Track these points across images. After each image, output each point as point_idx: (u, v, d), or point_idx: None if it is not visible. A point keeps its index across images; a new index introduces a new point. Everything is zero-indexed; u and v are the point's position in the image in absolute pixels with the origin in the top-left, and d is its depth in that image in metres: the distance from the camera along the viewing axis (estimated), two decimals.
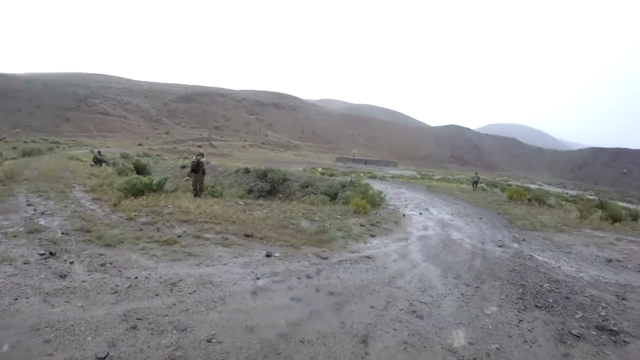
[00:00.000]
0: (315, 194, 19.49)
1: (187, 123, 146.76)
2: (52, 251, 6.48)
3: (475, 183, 33.34)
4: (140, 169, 28.19)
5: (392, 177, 41.35)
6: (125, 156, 44.50)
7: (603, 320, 5.99)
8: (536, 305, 6.48)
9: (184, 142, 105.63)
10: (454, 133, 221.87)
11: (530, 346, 5.02)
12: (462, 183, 41.37)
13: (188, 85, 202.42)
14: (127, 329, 4.32)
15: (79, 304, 4.80)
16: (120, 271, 5.96)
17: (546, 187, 67.79)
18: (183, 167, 35.19)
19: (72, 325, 4.29)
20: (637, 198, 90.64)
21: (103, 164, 28.70)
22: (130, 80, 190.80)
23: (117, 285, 5.43)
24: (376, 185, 23.94)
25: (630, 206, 35.02)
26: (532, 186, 41.93)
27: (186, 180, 17.62)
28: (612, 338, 5.40)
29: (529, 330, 5.49)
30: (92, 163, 27.95)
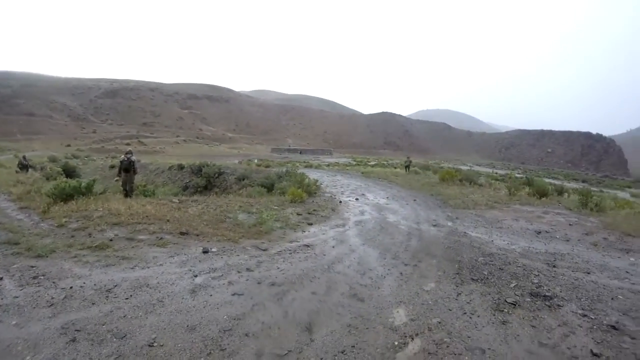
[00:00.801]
0: (252, 186, 19.33)
1: (113, 120, 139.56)
2: None
3: (407, 166, 34.24)
4: (69, 172, 27.03)
5: (328, 165, 41.59)
6: (53, 159, 42.43)
7: (536, 287, 6.32)
8: (472, 279, 6.73)
9: (112, 140, 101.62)
10: (387, 120, 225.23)
11: (470, 317, 5.22)
12: (395, 168, 42.14)
13: (114, 80, 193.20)
14: (66, 343, 4.16)
15: (14, 322, 4.56)
16: (54, 282, 5.68)
17: (476, 168, 70.27)
18: (112, 167, 34.01)
19: (8, 346, 4.08)
20: (561, 174, 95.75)
21: (29, 170, 27.35)
22: (56, 77, 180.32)
23: (52, 298, 5.19)
24: (312, 174, 24.01)
25: (556, 182, 36.96)
26: (463, 167, 43.49)
27: (116, 180, 17.02)
28: (547, 303, 5.72)
29: (467, 302, 5.70)
30: (18, 169, 26.57)
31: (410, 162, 36.02)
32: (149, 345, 4.17)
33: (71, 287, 5.52)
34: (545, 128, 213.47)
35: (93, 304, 5.08)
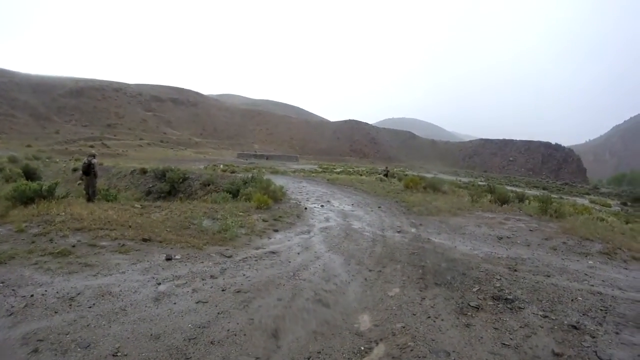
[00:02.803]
0: (217, 192, 19.18)
1: (77, 121, 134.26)
2: None
3: (386, 175, 35.50)
4: (30, 174, 26.24)
5: (294, 172, 41.42)
6: (13, 160, 40.94)
7: (498, 291, 6.50)
8: (436, 283, 6.86)
9: (75, 141, 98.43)
10: (353, 127, 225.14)
11: (434, 321, 5.33)
12: (361, 175, 42.38)
13: (79, 79, 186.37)
14: (28, 353, 4.05)
15: None
16: (14, 290, 5.51)
17: (440, 176, 71.17)
18: (75, 169, 33.25)
19: None
20: (522, 182, 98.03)
21: None
22: (17, 73, 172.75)
23: (12, 306, 5.03)
24: (278, 180, 23.92)
25: (517, 189, 37.77)
26: (427, 175, 44.04)
27: (79, 184, 16.69)
28: (508, 306, 5.90)
29: (431, 306, 5.82)
30: None
31: (388, 171, 37.42)
32: (113, 355, 4.10)
33: (32, 295, 5.36)
34: (507, 137, 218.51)
35: (55, 312, 4.95)
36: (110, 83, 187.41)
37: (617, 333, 5.09)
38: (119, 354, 4.14)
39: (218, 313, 5.26)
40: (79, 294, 5.52)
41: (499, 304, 5.97)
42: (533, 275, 7.51)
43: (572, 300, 6.20)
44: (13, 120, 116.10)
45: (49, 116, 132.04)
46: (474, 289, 6.58)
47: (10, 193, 11.34)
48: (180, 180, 25.38)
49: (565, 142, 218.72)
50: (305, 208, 14.91)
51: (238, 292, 6.05)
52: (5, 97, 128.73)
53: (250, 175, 22.57)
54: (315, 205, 16.09)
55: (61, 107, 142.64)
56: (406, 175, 43.33)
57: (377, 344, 4.68)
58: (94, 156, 14.87)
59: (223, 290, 6.09)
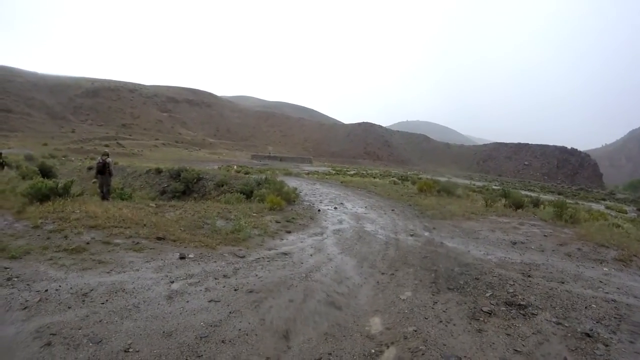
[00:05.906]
0: (231, 193, 19.22)
1: (93, 120, 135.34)
2: None
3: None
4: (45, 172, 26.50)
5: (308, 174, 41.40)
6: (29, 158, 41.30)
7: (511, 297, 6.44)
8: (448, 288, 6.82)
9: (91, 141, 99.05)
10: (366, 130, 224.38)
11: (446, 325, 5.29)
12: (375, 178, 42.31)
13: (96, 79, 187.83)
14: (41, 347, 4.08)
15: None
16: (28, 285, 5.55)
17: (454, 179, 70.90)
18: (90, 168, 33.55)
19: None
20: (537, 187, 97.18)
21: (5, 167, 26.79)
22: (35, 73, 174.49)
23: (26, 300, 5.07)
24: (291, 182, 23.94)
25: (532, 194, 37.42)
26: (441, 179, 43.84)
27: (94, 182, 16.83)
28: (521, 312, 5.85)
29: (443, 311, 5.78)
30: None
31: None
32: (125, 351, 4.12)
33: (46, 290, 5.41)
34: (522, 142, 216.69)
35: (69, 307, 4.99)
36: (126, 84, 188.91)
37: (631, 342, 5.02)
38: (130, 349, 4.16)
39: (230, 312, 5.27)
40: (92, 290, 5.56)
41: (511, 309, 5.92)
42: (547, 281, 7.44)
43: (586, 307, 6.13)
44: (29, 119, 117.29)
45: (65, 116, 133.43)
46: (487, 294, 6.53)
47: (26, 190, 11.44)
48: (195, 180, 25.49)
49: (581, 147, 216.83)
50: (319, 210, 14.91)
51: (250, 292, 6.06)
52: (22, 96, 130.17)
53: (263, 176, 22.60)
54: (329, 207, 16.08)
55: (77, 107, 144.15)
56: (420, 178, 43.25)
57: (388, 347, 4.66)
58: (107, 155, 15.03)
59: (235, 290, 6.10)
